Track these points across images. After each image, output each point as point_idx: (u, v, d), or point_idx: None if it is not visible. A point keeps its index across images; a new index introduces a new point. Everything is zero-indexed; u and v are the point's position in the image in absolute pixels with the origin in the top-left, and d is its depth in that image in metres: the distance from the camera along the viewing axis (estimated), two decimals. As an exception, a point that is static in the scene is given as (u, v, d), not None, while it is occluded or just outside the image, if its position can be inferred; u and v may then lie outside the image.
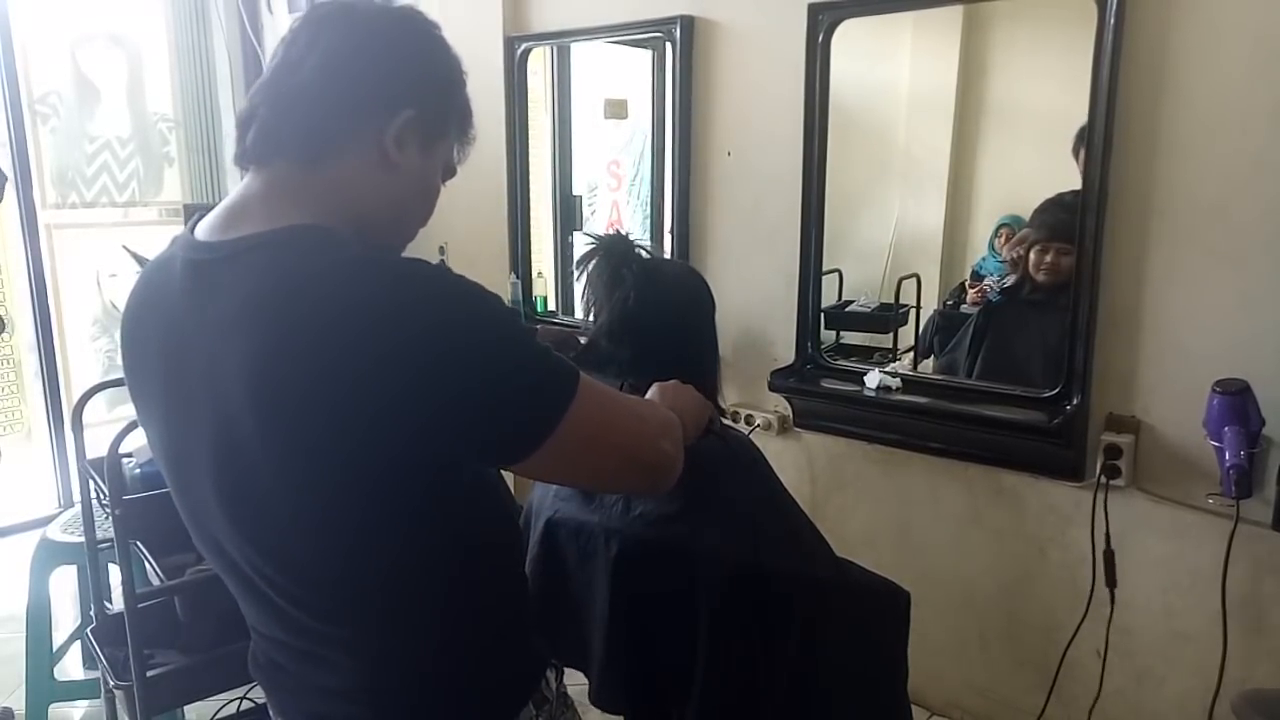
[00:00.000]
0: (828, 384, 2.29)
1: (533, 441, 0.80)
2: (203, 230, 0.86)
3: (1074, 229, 1.87)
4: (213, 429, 0.80)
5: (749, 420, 2.45)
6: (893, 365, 2.36)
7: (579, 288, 1.43)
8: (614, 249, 1.38)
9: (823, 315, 2.36)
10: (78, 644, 2.43)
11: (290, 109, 0.85)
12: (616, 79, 3.08)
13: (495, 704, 0.95)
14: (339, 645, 0.87)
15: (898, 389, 2.16)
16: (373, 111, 0.86)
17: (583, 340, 1.52)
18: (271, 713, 1.01)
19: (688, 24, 2.42)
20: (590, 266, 1.38)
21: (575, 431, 0.81)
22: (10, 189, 3.26)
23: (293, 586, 0.85)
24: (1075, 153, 1.87)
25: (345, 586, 0.84)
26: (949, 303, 2.45)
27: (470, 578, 0.90)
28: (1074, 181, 1.87)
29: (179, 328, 0.83)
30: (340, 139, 0.86)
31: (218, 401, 0.78)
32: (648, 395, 1.15)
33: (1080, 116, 1.81)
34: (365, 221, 0.87)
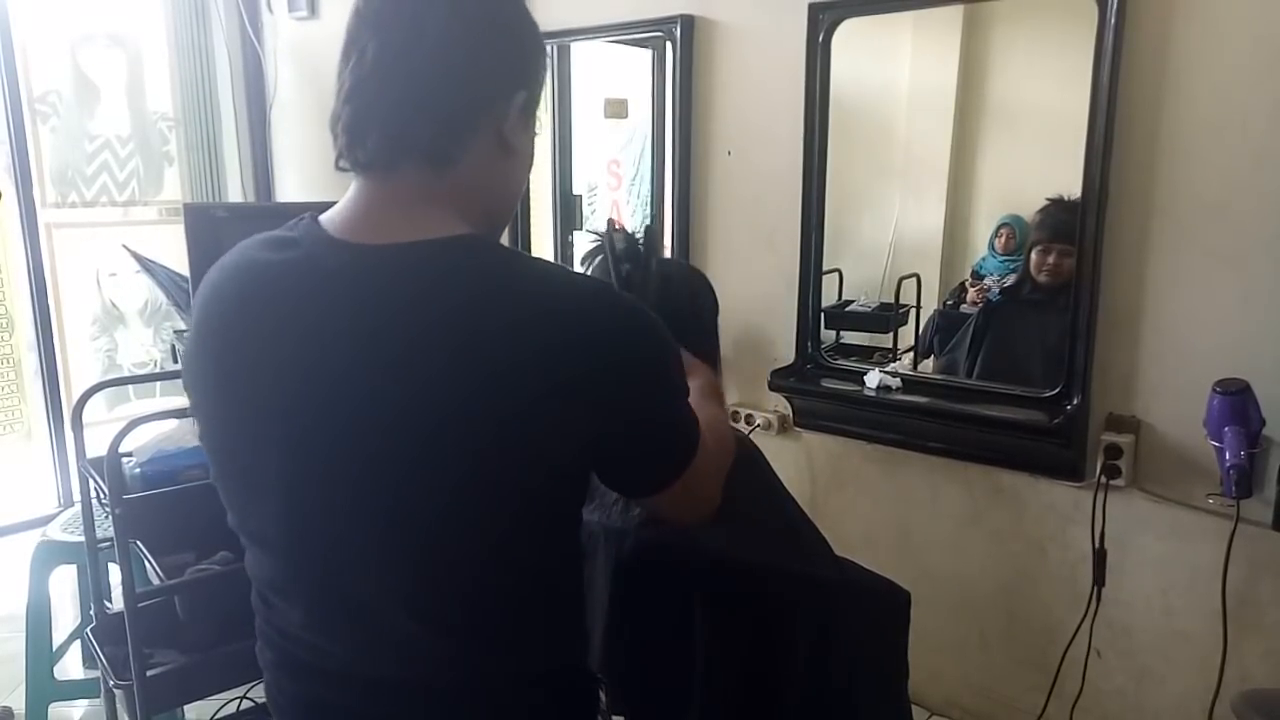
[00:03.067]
0: (828, 384, 2.29)
1: (652, 488, 0.88)
2: (344, 232, 0.81)
3: (1075, 230, 1.87)
4: (363, 432, 0.76)
5: (749, 420, 2.45)
6: (893, 365, 2.36)
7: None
8: (618, 247, 1.38)
9: (823, 315, 2.36)
10: (77, 643, 2.43)
11: (414, 111, 0.81)
12: (617, 78, 3.08)
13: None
14: (432, 658, 0.84)
15: (898, 389, 2.16)
16: (494, 102, 0.84)
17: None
18: None
19: (688, 23, 2.42)
20: (594, 264, 1.38)
21: (683, 483, 0.88)
22: (10, 188, 3.26)
23: (414, 589, 0.81)
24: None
25: (476, 591, 0.82)
26: (949, 302, 2.45)
27: (560, 599, 0.90)
28: (1075, 181, 1.86)
29: (323, 323, 0.78)
30: (467, 135, 0.83)
31: (379, 404, 0.75)
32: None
33: (1081, 116, 1.80)
34: (493, 213, 0.87)
